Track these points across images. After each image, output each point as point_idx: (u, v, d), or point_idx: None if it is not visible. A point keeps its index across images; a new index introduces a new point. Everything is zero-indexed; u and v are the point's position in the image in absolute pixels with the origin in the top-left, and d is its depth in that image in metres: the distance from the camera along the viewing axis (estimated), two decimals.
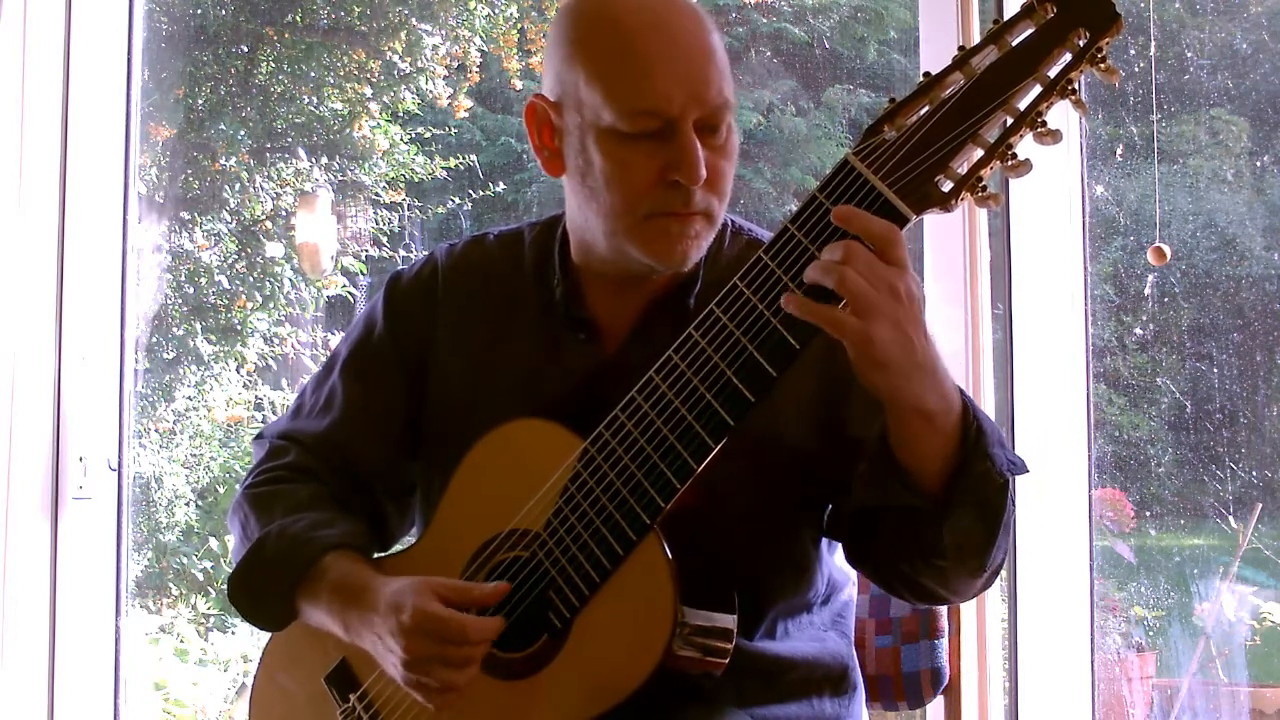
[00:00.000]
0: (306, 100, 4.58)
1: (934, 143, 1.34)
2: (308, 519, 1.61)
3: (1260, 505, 2.83)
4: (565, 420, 1.51)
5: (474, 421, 1.58)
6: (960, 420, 1.41)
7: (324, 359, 1.82)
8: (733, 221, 1.67)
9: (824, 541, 1.66)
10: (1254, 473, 2.84)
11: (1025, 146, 1.34)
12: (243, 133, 4.48)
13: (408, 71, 4.61)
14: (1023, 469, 1.47)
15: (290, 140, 4.58)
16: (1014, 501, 1.49)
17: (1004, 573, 2.51)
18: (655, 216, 1.50)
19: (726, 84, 1.51)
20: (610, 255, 1.57)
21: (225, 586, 1.66)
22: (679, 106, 1.47)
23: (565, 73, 1.53)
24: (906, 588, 1.56)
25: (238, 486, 1.73)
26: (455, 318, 1.69)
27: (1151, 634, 2.90)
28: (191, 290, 4.46)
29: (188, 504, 4.34)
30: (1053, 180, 2.52)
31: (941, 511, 1.43)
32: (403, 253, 4.59)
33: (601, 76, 1.49)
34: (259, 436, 1.80)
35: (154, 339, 4.34)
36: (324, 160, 4.55)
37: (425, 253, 1.78)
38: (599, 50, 1.50)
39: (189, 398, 4.41)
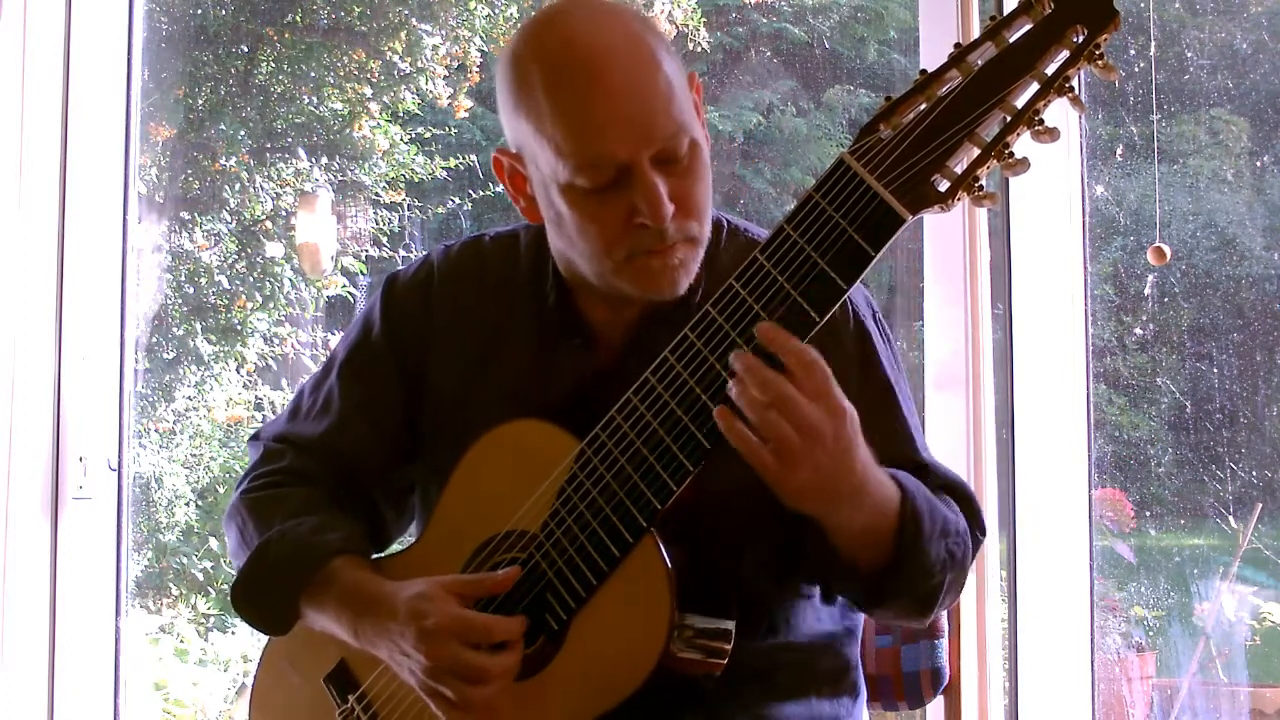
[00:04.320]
0: (306, 100, 4.58)
1: (930, 141, 1.33)
2: (309, 523, 1.61)
3: (1260, 505, 2.83)
4: (562, 423, 1.51)
5: (470, 423, 1.57)
6: (896, 520, 1.44)
7: (323, 359, 1.82)
8: (729, 221, 1.66)
9: None
10: (1254, 473, 2.83)
11: (1023, 145, 1.33)
12: (243, 133, 4.48)
13: (408, 71, 4.60)
14: (960, 561, 1.50)
15: (290, 140, 4.58)
16: (961, 562, 1.52)
17: (1004, 572, 2.52)
18: (635, 257, 1.49)
19: (677, 107, 1.45)
20: (605, 288, 1.56)
21: (227, 588, 1.66)
22: (628, 152, 1.43)
23: (514, 126, 1.52)
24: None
25: (234, 490, 1.73)
26: (451, 319, 1.68)
27: (1151, 634, 2.90)
28: (191, 290, 4.46)
29: (188, 504, 4.34)
30: (1053, 180, 2.52)
31: (875, 598, 1.50)
32: (403, 253, 4.58)
33: (545, 133, 1.45)
34: (254, 438, 1.79)
35: (154, 339, 4.34)
36: (324, 160, 4.55)
37: (423, 253, 1.78)
38: (536, 105, 1.46)
39: (189, 398, 4.41)
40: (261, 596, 1.62)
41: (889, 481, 1.44)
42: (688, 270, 1.51)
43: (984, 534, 1.59)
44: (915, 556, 1.45)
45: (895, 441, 1.58)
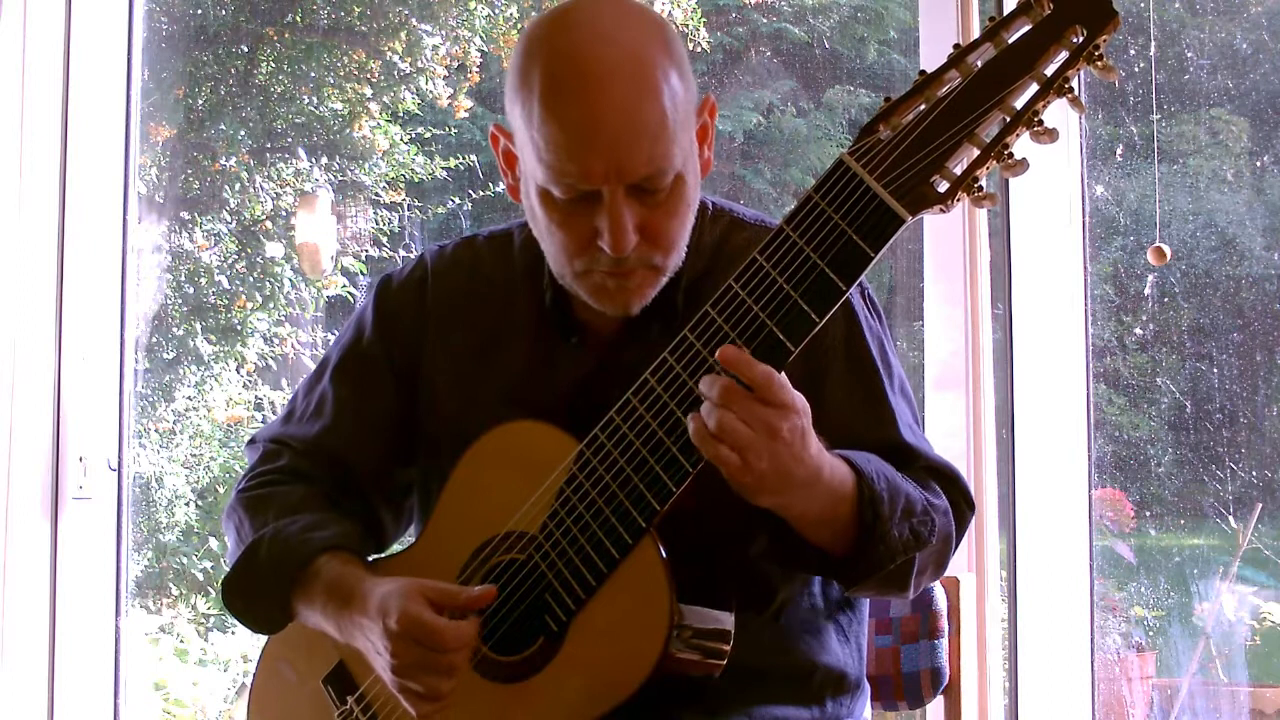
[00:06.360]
0: (306, 100, 4.58)
1: (930, 142, 1.33)
2: (302, 521, 1.61)
3: (1260, 505, 2.82)
4: (560, 423, 1.51)
5: (468, 424, 1.58)
6: (854, 508, 1.45)
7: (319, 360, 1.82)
8: (713, 204, 1.65)
9: None
10: (1254, 473, 2.83)
11: (1022, 145, 1.34)
12: (243, 133, 4.48)
13: (408, 71, 4.60)
14: (926, 539, 1.50)
15: (290, 140, 4.58)
16: (930, 539, 1.51)
17: (1004, 572, 2.52)
18: (593, 273, 1.49)
19: (666, 140, 1.43)
20: (567, 287, 1.57)
21: (220, 589, 1.66)
22: (601, 179, 1.43)
23: (511, 110, 1.52)
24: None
25: (232, 490, 1.73)
26: (446, 320, 1.69)
27: (1151, 634, 2.90)
28: (191, 290, 4.46)
29: (188, 504, 4.34)
30: (1053, 180, 2.52)
31: (847, 581, 1.51)
32: (402, 253, 4.58)
33: (532, 134, 1.45)
34: (251, 441, 1.79)
35: (154, 339, 4.34)
36: (324, 160, 4.55)
37: (416, 254, 1.78)
38: (529, 104, 1.45)
39: (189, 398, 4.41)
40: (252, 594, 1.62)
41: (844, 468, 1.45)
42: (643, 295, 1.52)
43: (973, 510, 1.61)
44: (878, 538, 1.46)
45: (876, 424, 1.59)
